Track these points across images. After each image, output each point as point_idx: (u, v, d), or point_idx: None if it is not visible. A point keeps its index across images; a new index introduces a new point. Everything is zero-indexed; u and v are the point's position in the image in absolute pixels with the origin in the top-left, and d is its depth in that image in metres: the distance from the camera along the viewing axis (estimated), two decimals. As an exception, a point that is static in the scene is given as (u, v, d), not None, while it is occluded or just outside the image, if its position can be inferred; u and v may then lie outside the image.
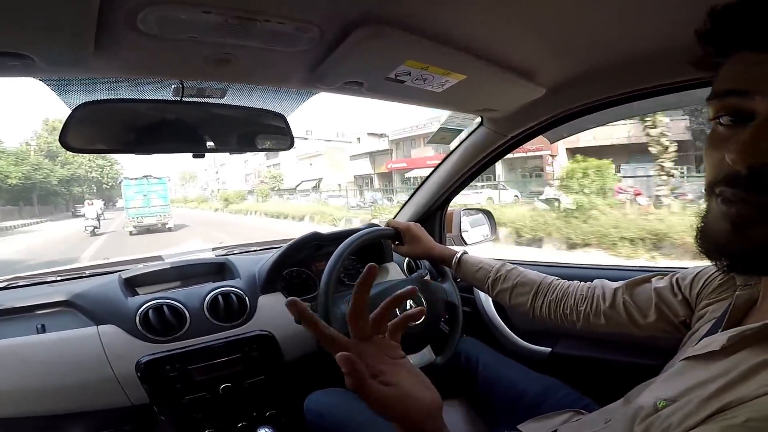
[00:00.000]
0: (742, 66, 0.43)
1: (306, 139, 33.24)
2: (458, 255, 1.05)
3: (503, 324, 1.41)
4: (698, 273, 0.70)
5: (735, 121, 0.43)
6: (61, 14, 0.51)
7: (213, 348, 1.06)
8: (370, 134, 31.71)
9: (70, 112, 0.72)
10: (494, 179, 17.67)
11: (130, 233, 16.01)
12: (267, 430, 1.14)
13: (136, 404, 0.99)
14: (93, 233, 16.02)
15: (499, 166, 18.25)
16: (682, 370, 0.53)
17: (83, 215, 18.04)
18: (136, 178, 17.87)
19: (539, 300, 0.91)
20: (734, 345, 0.45)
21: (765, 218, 0.41)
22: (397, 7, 0.67)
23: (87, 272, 1.28)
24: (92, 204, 17.20)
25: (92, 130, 0.78)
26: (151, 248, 10.72)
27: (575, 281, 0.90)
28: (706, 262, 0.49)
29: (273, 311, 1.18)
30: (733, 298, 0.55)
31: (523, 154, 17.36)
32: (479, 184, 16.20)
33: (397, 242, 1.16)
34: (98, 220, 16.78)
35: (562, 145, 16.21)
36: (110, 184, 45.45)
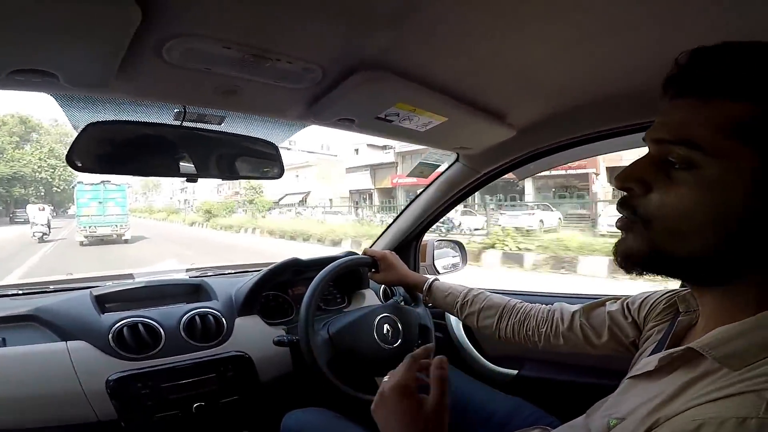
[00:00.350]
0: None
1: (289, 149, 28.55)
2: (429, 281, 1.11)
3: (473, 348, 1.46)
4: (645, 298, 0.77)
5: None
6: (98, 38, 0.54)
7: (187, 367, 1.06)
8: (370, 146, 28.44)
9: (78, 130, 0.74)
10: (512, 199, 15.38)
11: (81, 243, 14.43)
12: None
13: (102, 420, 0.97)
14: (41, 240, 14.75)
15: (528, 184, 17.05)
16: (627, 388, 0.58)
17: (25, 221, 16.10)
18: (92, 183, 15.92)
19: (504, 322, 0.96)
20: (667, 366, 0.50)
21: (627, 229, 0.51)
22: (395, 54, 0.74)
23: (51, 287, 1.24)
24: (43, 209, 15.52)
25: (97, 150, 0.79)
26: (105, 262, 9.97)
27: (537, 304, 0.96)
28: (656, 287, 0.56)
29: (249, 333, 1.19)
30: (675, 323, 0.62)
31: (562, 172, 15.92)
32: (530, 203, 14.83)
33: (373, 270, 1.21)
34: (48, 226, 15.28)
35: (602, 163, 15.24)
36: (62, 187, 38.39)
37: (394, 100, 0.87)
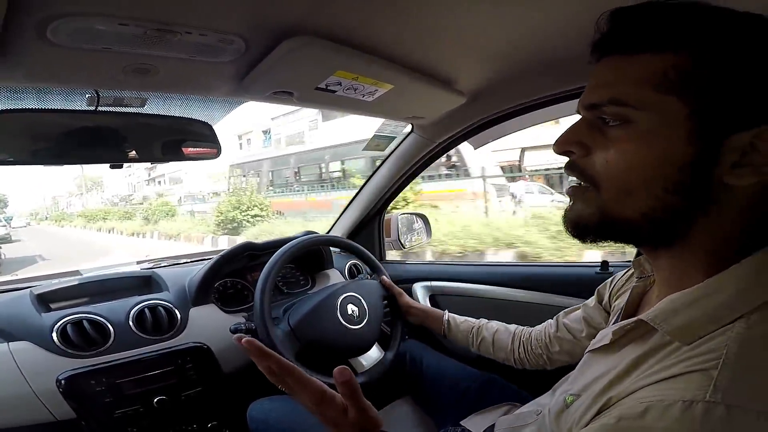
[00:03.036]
0: None
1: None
2: (446, 317, 1.10)
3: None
4: (611, 278, 0.78)
5: None
6: None
7: (142, 361, 1.03)
8: None
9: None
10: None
11: None
12: None
13: (61, 420, 0.95)
14: None
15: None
16: (585, 363, 0.58)
17: None
18: None
19: (516, 344, 0.98)
20: (621, 339, 0.49)
21: (577, 196, 0.49)
22: (325, 18, 0.68)
23: None
24: None
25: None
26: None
27: (535, 326, 0.98)
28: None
29: (206, 323, 1.15)
30: (630, 290, 0.61)
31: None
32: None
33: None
34: None
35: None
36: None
37: (333, 68, 0.81)
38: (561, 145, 0.49)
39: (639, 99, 0.42)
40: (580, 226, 0.49)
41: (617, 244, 0.50)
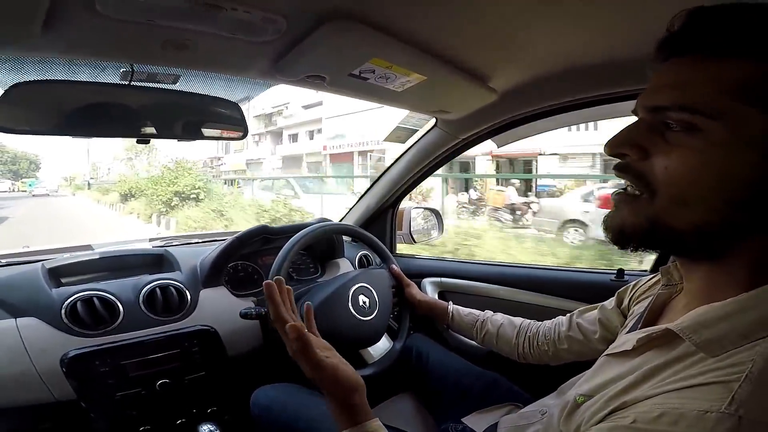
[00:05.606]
0: None
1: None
2: (450, 308, 1.11)
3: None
4: (635, 283, 0.77)
5: None
6: None
7: (149, 342, 1.01)
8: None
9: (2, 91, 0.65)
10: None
11: None
12: (209, 426, 1.10)
13: (61, 400, 0.93)
14: None
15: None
16: (601, 366, 0.57)
17: None
18: None
19: (521, 338, 0.99)
20: (643, 345, 0.49)
21: (624, 202, 0.47)
22: (368, 4, 0.67)
23: (4, 261, 1.16)
24: None
25: (29, 111, 0.71)
26: None
27: (544, 321, 0.99)
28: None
29: (215, 305, 1.14)
30: (654, 297, 0.60)
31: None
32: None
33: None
34: None
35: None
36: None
37: (369, 54, 0.79)
38: (615, 146, 0.47)
39: (713, 107, 0.40)
40: (625, 234, 0.47)
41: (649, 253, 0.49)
